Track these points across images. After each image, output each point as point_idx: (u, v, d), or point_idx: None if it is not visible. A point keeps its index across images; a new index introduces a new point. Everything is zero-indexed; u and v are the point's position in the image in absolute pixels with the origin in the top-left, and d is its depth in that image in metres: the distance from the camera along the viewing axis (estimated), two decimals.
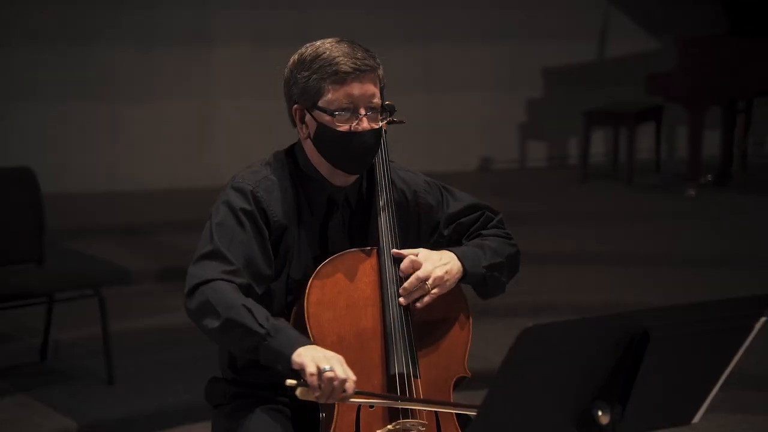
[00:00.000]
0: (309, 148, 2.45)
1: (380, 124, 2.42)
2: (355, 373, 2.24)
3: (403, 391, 2.29)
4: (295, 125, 2.48)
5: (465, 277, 2.42)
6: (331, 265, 2.36)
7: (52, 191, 5.65)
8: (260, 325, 2.20)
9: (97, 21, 7.23)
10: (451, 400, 2.36)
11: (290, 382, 2.11)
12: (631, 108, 7.66)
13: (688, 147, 7.17)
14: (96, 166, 7.31)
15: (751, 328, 1.84)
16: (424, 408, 2.27)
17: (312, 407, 2.33)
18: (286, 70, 2.46)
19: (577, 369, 1.78)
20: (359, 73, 2.37)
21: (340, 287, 2.35)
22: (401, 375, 2.30)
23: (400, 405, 2.24)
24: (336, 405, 2.27)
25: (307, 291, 2.32)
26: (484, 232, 2.55)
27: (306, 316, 2.31)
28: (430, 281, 2.36)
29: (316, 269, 2.35)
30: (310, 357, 2.14)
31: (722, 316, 1.80)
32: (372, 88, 2.39)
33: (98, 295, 4.49)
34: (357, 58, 2.38)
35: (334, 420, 2.27)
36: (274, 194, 2.41)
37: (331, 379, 2.12)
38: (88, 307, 4.59)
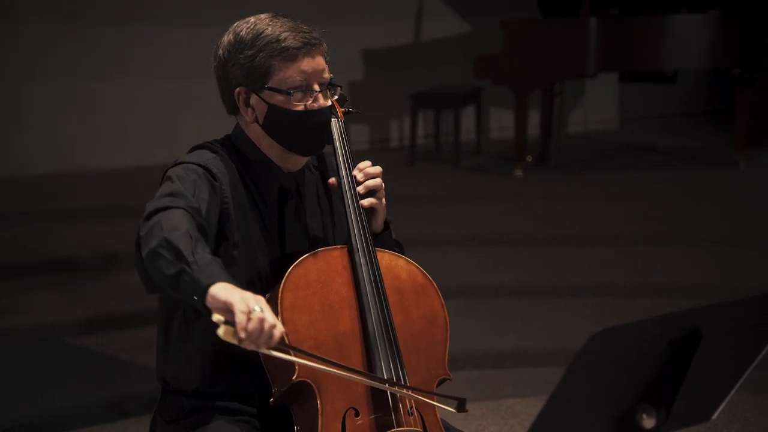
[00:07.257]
0: (255, 132, 2.28)
1: (331, 100, 2.30)
2: (336, 379, 2.08)
3: (393, 397, 2.14)
4: (233, 111, 2.30)
5: (383, 231, 2.40)
6: (302, 266, 2.19)
7: None
8: (192, 252, 1.91)
9: None
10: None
11: (217, 317, 1.84)
12: (456, 91, 7.71)
13: (514, 129, 7.25)
14: None
15: None
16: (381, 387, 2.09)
17: (284, 419, 2.15)
18: (220, 52, 2.27)
19: (630, 371, 1.70)
20: (309, 47, 2.24)
21: (314, 289, 2.18)
22: (389, 380, 2.14)
23: (344, 374, 2.03)
24: (318, 418, 2.09)
25: (279, 296, 2.13)
26: None
27: (281, 321, 2.10)
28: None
29: (286, 272, 2.16)
30: (239, 295, 1.86)
31: (763, 310, 1.76)
32: (322, 63, 2.27)
33: None
34: (304, 32, 2.24)
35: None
36: (225, 176, 2.22)
37: (261, 320, 1.85)
38: None
